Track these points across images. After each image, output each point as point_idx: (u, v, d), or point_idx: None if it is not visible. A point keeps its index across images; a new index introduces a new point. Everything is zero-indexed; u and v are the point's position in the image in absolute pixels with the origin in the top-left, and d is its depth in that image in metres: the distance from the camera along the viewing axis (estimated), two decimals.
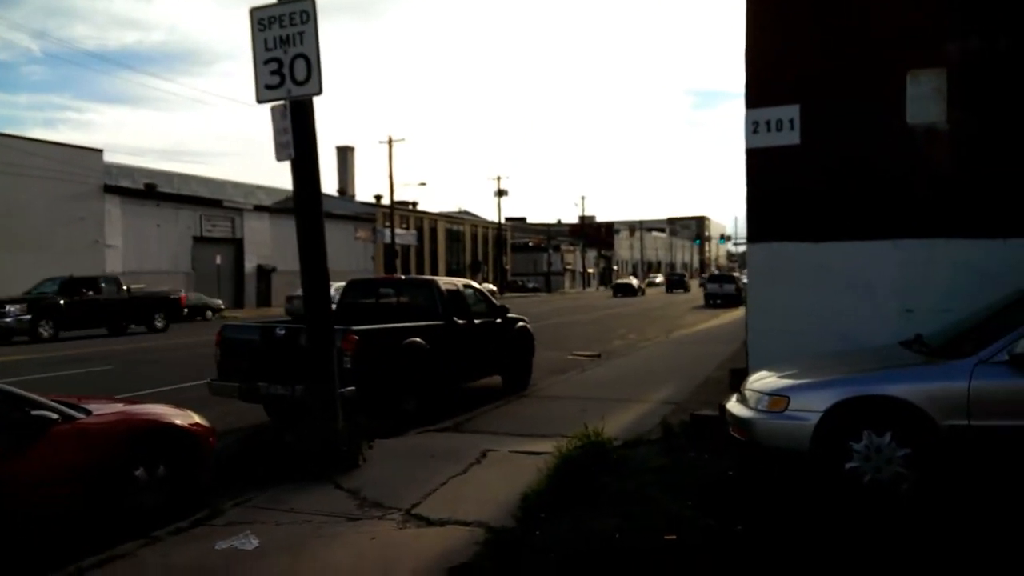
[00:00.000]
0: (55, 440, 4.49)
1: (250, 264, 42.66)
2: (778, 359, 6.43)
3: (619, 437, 6.95)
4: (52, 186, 31.61)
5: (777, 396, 5.24)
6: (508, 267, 72.79)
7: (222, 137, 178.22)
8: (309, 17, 6.10)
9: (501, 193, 65.35)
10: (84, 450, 4.63)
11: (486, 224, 73.51)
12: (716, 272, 63.80)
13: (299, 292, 27.77)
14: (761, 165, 7.41)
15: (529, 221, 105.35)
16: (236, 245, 41.93)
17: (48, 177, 31.29)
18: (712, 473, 5.68)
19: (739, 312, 31.78)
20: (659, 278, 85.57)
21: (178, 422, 5.36)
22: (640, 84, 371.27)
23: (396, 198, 50.91)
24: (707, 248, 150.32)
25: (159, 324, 24.78)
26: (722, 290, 38.89)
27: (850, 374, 5.48)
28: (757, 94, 7.50)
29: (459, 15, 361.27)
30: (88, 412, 4.88)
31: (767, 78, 7.53)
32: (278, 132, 6.31)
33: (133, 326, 24.19)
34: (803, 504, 4.91)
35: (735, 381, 10.04)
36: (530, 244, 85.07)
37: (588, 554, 4.06)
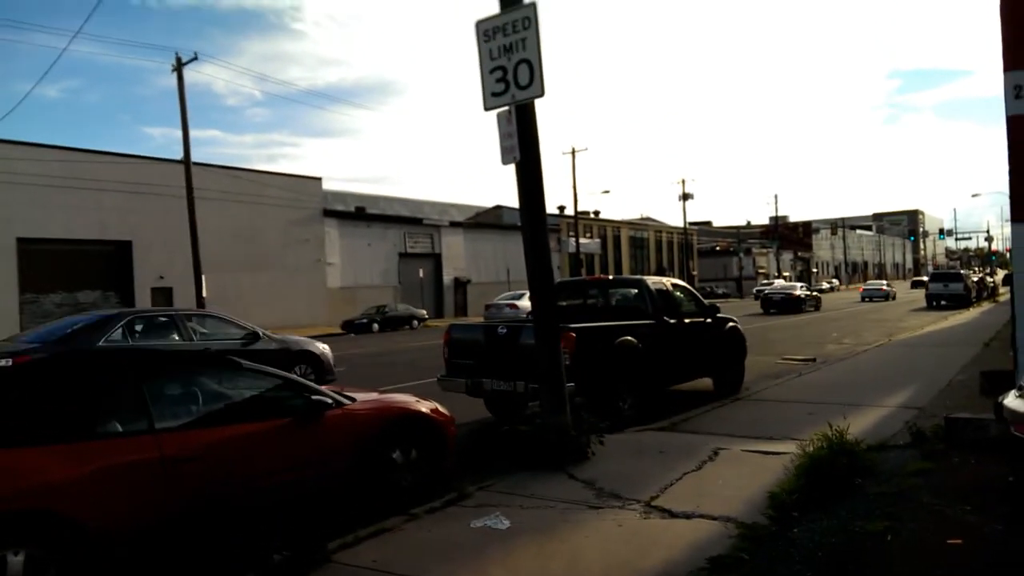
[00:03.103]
0: (329, 421, 5.03)
1: (448, 277, 45.21)
2: None
3: (861, 441, 6.43)
4: (282, 212, 35.74)
5: None
6: (695, 272, 70.42)
7: (412, 160, 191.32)
8: (531, 23, 6.33)
9: (686, 197, 63.43)
10: (352, 431, 5.13)
11: (670, 229, 71.91)
12: (938, 270, 57.02)
13: (495, 301, 29.08)
14: None
15: (715, 225, 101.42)
16: (435, 260, 44.65)
17: (279, 205, 35.41)
18: (984, 477, 5.10)
19: (970, 314, 28.28)
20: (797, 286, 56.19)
21: (425, 410, 5.77)
22: (833, 72, 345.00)
23: (579, 207, 51.29)
24: (922, 245, 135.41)
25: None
26: (947, 290, 34.89)
27: None
28: (1019, 53, 6.65)
29: (638, 17, 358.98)
30: (353, 399, 5.40)
31: None
32: (503, 137, 6.61)
33: None
34: None
35: (988, 385, 8.94)
36: (717, 248, 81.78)
37: (858, 553, 3.79)
